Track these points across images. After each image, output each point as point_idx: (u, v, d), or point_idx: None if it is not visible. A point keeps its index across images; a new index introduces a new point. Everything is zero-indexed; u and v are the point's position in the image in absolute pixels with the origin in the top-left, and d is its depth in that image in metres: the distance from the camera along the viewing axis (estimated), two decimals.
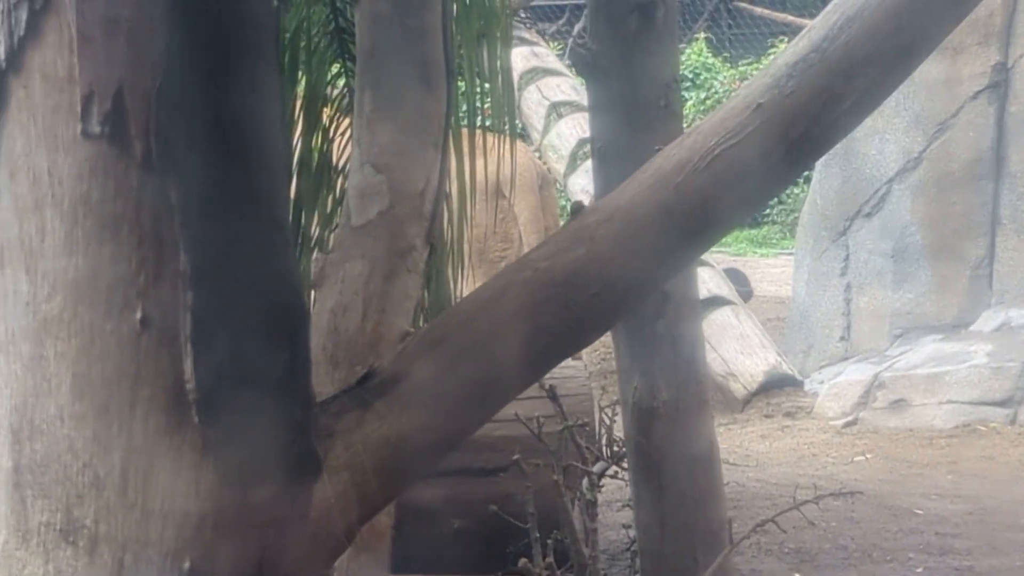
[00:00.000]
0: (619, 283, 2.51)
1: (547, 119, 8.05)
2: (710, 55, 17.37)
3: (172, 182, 1.91)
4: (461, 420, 2.55)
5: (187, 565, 1.96)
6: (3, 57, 1.91)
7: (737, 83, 15.54)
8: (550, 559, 3.78)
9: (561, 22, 10.48)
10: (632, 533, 4.47)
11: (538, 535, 3.80)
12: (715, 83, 16.80)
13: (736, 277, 10.09)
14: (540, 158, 8.29)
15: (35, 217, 1.92)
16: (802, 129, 2.37)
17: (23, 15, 1.90)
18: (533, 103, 7.91)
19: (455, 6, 4.00)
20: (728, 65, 17.34)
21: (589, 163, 7.60)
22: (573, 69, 9.00)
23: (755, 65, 16.41)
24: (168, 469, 1.95)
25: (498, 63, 4.17)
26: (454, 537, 4.43)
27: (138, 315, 1.92)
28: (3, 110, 1.93)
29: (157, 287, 1.93)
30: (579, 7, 11.00)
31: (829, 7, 2.43)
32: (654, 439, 3.97)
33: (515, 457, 3.87)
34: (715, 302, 8.47)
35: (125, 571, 1.94)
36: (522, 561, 3.69)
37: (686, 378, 4.00)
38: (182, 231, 1.92)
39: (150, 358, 1.93)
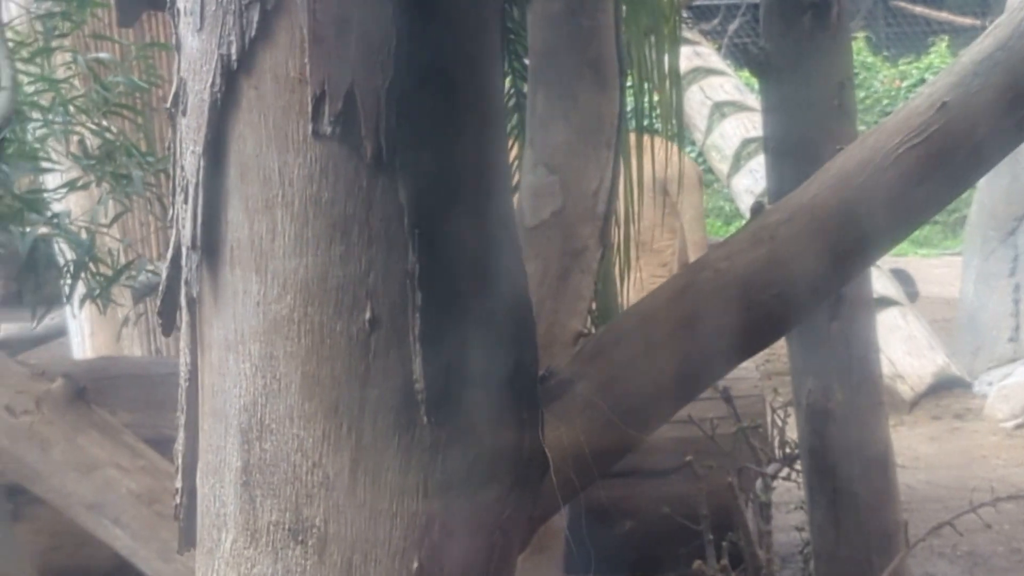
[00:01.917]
0: (800, 283, 2.48)
1: (710, 119, 8.00)
2: (869, 54, 17.11)
3: (402, 182, 1.90)
4: (638, 422, 2.53)
5: (415, 565, 1.95)
6: (235, 58, 1.92)
7: (897, 82, 15.34)
8: (725, 561, 3.75)
9: (715, 21, 10.40)
10: (804, 535, 4.42)
11: (711, 537, 3.78)
12: (875, 82, 16.54)
13: (902, 277, 9.93)
14: (702, 158, 8.24)
15: (265, 218, 1.92)
16: (988, 128, 2.31)
17: (255, 16, 1.90)
18: (696, 103, 7.86)
19: (624, 6, 3.98)
20: (888, 64, 17.08)
21: (753, 163, 7.55)
22: (735, 67, 8.96)
23: (915, 64, 16.18)
24: (397, 469, 1.94)
25: (666, 63, 4.14)
26: (626, 538, 4.41)
27: (367, 315, 1.92)
28: (234, 111, 1.93)
29: (386, 287, 1.92)
30: (733, 7, 10.92)
31: (1015, 4, 2.38)
32: (828, 441, 3.94)
33: (687, 458, 3.85)
34: (882, 303, 8.35)
35: (354, 570, 1.94)
36: (697, 563, 3.67)
37: (860, 379, 3.97)
38: (411, 230, 1.91)
39: (379, 358, 1.93)
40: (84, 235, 3.92)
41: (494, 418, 1.99)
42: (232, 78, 1.93)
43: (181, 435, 2.11)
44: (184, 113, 1.99)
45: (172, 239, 2.05)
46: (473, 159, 1.98)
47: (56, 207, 4.07)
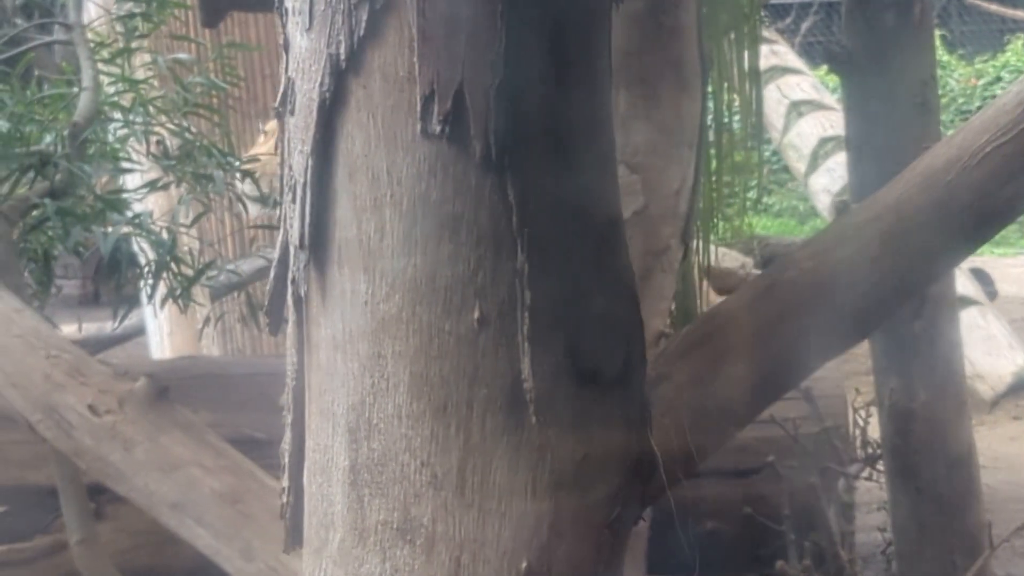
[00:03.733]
0: (887, 283, 2.45)
1: (787, 118, 7.96)
2: (944, 52, 16.94)
3: (510, 180, 1.90)
4: (723, 423, 2.51)
5: (524, 565, 1.94)
6: (343, 57, 1.92)
7: (973, 80, 15.20)
8: (807, 561, 3.73)
9: (789, 19, 10.34)
10: (886, 536, 4.39)
11: (794, 537, 3.76)
12: (950, 80, 16.40)
13: (981, 277, 9.82)
14: (776, 156, 8.20)
15: (374, 217, 1.92)
16: None
17: (363, 15, 1.90)
18: (772, 102, 7.82)
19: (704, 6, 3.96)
20: (963, 62, 16.94)
21: (830, 162, 7.51)
22: (810, 66, 8.89)
23: (991, 62, 16.03)
24: (505, 469, 1.94)
25: (746, 62, 4.12)
26: (708, 538, 4.39)
27: (476, 314, 1.91)
28: (343, 110, 1.93)
29: (495, 286, 1.92)
30: (806, 5, 10.86)
31: None
32: (911, 441, 3.91)
33: (769, 459, 3.83)
34: (961, 302, 8.24)
35: (462, 570, 1.94)
36: (779, 563, 3.65)
37: (944, 379, 3.94)
38: (520, 229, 1.90)
39: (488, 357, 1.92)
40: (165, 235, 3.94)
41: (603, 417, 1.98)
42: (341, 77, 1.92)
43: (288, 434, 2.12)
44: (292, 113, 1.99)
45: (280, 238, 2.06)
46: (582, 158, 1.97)
47: (136, 207, 4.09)
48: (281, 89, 2.01)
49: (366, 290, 1.94)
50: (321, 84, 1.94)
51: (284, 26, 2.00)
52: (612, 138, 2.04)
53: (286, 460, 2.13)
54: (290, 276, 2.04)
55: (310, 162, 1.95)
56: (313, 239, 1.97)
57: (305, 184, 1.96)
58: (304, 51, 1.96)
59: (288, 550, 2.14)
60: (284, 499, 2.13)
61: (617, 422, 2.01)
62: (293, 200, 1.99)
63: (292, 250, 2.02)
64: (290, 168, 2.00)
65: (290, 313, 2.07)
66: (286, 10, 1.99)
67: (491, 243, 1.91)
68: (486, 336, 1.92)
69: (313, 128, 1.95)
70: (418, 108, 1.89)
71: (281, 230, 2.05)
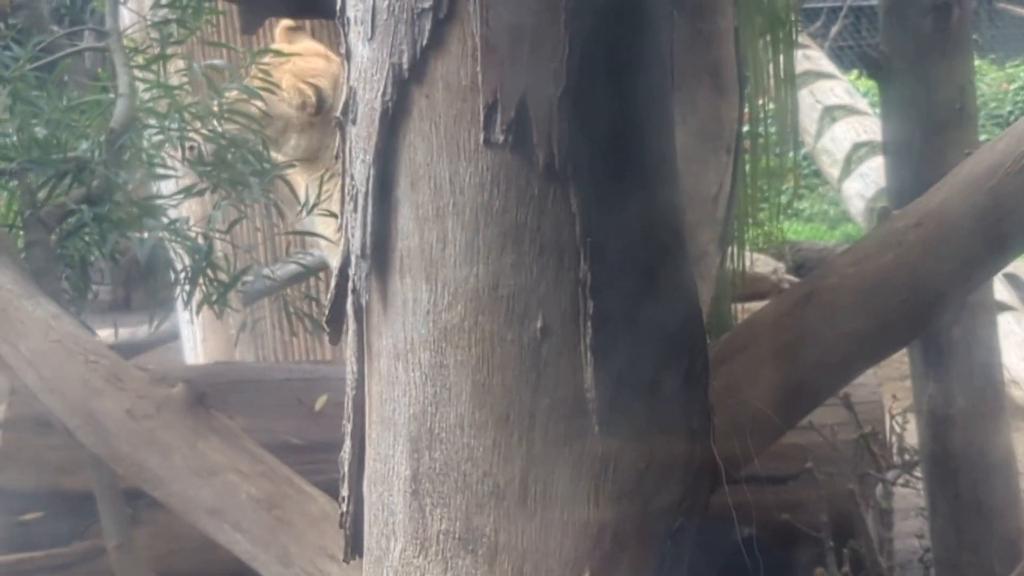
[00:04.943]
0: (928, 289, 2.46)
1: (820, 123, 7.95)
2: (975, 57, 16.82)
3: (573, 190, 1.90)
4: (764, 429, 2.51)
5: (586, 575, 1.94)
6: (406, 66, 1.92)
7: (1005, 85, 15.14)
8: (846, 568, 3.72)
9: (818, 24, 10.33)
10: (924, 542, 4.38)
11: (832, 543, 3.75)
12: (982, 85, 16.29)
13: (1015, 282, 9.77)
14: (807, 161, 8.18)
15: (436, 226, 1.92)
16: None
17: (427, 25, 1.90)
18: (806, 107, 7.80)
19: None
20: (994, 67, 16.87)
21: (864, 167, 7.50)
22: (841, 70, 8.87)
23: (1022, 67, 15.97)
24: (567, 479, 1.94)
25: (781, 67, 4.11)
26: (746, 545, 4.38)
27: (538, 324, 1.91)
28: (405, 119, 1.93)
29: (557, 295, 1.92)
30: (836, 8, 10.85)
31: None
32: (950, 447, 3.91)
33: (807, 465, 3.82)
34: (997, 307, 8.20)
35: None
36: (818, 570, 3.65)
37: (982, 385, 3.93)
38: (583, 239, 1.90)
39: (550, 367, 1.92)
40: (201, 241, 3.94)
41: (665, 427, 1.98)
42: (403, 87, 1.93)
43: (347, 443, 2.12)
44: (354, 122, 1.99)
45: (341, 248, 2.06)
46: (645, 167, 1.97)
47: (172, 213, 4.09)
48: (343, 98, 2.01)
49: (428, 299, 1.94)
50: (383, 93, 1.94)
51: (346, 36, 2.00)
52: (674, 147, 2.04)
53: (346, 469, 2.13)
54: (351, 285, 2.04)
55: (372, 171, 1.96)
56: (375, 248, 1.97)
57: (367, 193, 1.96)
58: (366, 61, 1.96)
59: (348, 559, 2.14)
60: (344, 508, 2.13)
61: (680, 431, 2.00)
62: (355, 209, 1.99)
63: (353, 259, 2.02)
64: (352, 177, 2.00)
65: (351, 322, 2.07)
66: (348, 20, 1.99)
67: (554, 252, 1.91)
68: (549, 345, 1.92)
69: (375, 137, 1.95)
70: (481, 117, 1.89)
71: (342, 239, 2.05)
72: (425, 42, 1.91)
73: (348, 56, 2.00)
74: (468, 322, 1.92)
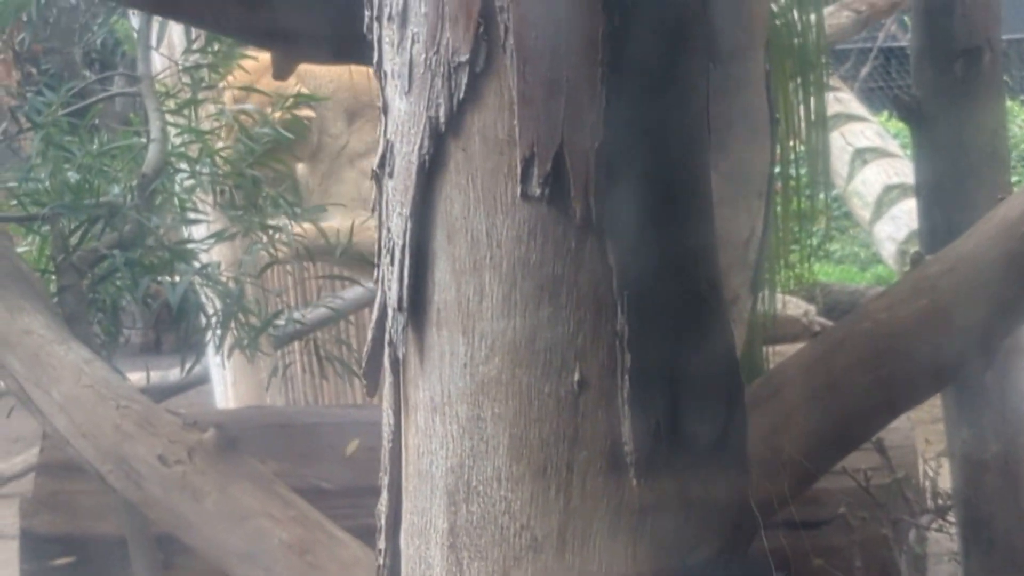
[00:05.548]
0: (962, 335, 2.44)
1: (851, 165, 7.94)
2: (1007, 99, 16.73)
3: (610, 243, 1.90)
4: (797, 476, 2.50)
5: None
6: (443, 120, 1.92)
7: None
8: None
9: (847, 65, 10.34)
10: None
11: None
12: (1013, 127, 16.23)
13: None
14: (837, 203, 8.17)
15: (473, 279, 1.92)
16: None
17: (463, 78, 1.91)
18: (836, 149, 7.78)
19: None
20: None
21: (895, 209, 7.48)
22: (871, 111, 8.85)
23: None
24: (605, 532, 1.93)
25: (812, 110, 4.11)
26: None
27: (576, 376, 1.91)
28: (442, 172, 1.94)
29: (594, 348, 1.91)
30: (865, 50, 10.85)
31: None
32: (983, 492, 3.88)
33: (841, 510, 3.80)
34: None
35: None
36: None
37: (1016, 430, 3.90)
38: (620, 292, 1.90)
39: (587, 420, 1.92)
40: (232, 285, 3.95)
41: (704, 480, 1.97)
42: (440, 140, 1.93)
43: (384, 496, 2.11)
44: (391, 175, 2.00)
45: (377, 300, 2.06)
46: (682, 219, 1.97)
47: (203, 257, 4.11)
48: (379, 151, 2.02)
49: (465, 352, 1.94)
50: (420, 147, 1.94)
51: (383, 89, 2.01)
52: (710, 199, 2.04)
53: (382, 522, 2.12)
54: (387, 337, 2.04)
55: (409, 224, 1.96)
56: (412, 301, 1.97)
57: (404, 246, 1.96)
58: (403, 114, 1.97)
59: None
60: (381, 561, 2.13)
61: (718, 484, 2.00)
62: (392, 262, 1.99)
63: (390, 311, 2.02)
64: (388, 230, 2.01)
65: (387, 374, 2.07)
66: (385, 73, 2.00)
67: (591, 305, 1.91)
68: (586, 398, 1.91)
69: (412, 190, 1.95)
70: (518, 171, 1.90)
71: (379, 291, 2.05)
72: (462, 95, 1.91)
73: (385, 109, 2.01)
74: (505, 375, 1.92)
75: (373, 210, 2.06)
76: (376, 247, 2.06)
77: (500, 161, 1.91)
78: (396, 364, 2.03)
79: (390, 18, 1.98)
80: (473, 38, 1.89)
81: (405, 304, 1.98)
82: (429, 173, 1.94)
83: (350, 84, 5.38)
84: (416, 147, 1.94)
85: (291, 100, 4.37)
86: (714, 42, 2.07)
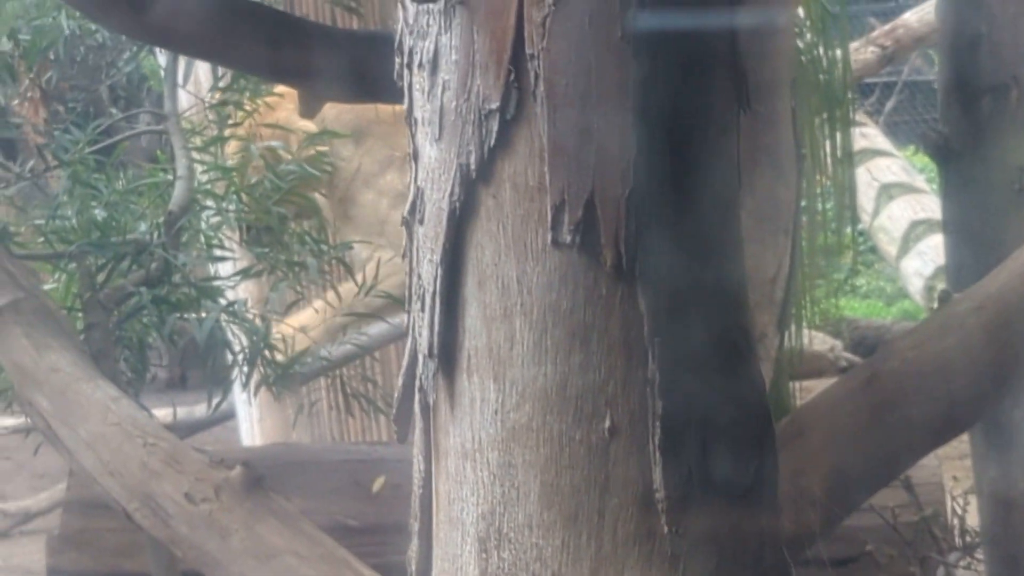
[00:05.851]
0: (990, 374, 2.43)
1: (877, 200, 7.94)
2: None
3: (641, 290, 1.90)
4: (825, 515, 2.49)
5: None
6: (474, 167, 1.93)
7: None
8: None
9: (872, 99, 10.33)
10: None
11: None
12: None
13: None
14: (863, 238, 8.16)
15: (504, 326, 1.93)
16: None
17: (494, 126, 1.91)
18: (862, 184, 7.78)
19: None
20: None
21: (922, 245, 7.48)
22: (897, 146, 8.86)
23: None
24: None
25: (838, 146, 4.10)
26: None
27: (607, 423, 1.91)
28: (473, 219, 1.94)
29: (626, 395, 1.91)
30: (890, 84, 10.83)
31: None
32: (1012, 530, 3.85)
33: (868, 548, 3.79)
34: None
35: None
36: None
37: None
38: (651, 339, 1.90)
39: (619, 466, 1.92)
40: (259, 322, 3.96)
41: (735, 526, 1.97)
42: (471, 187, 1.94)
43: (415, 542, 2.11)
44: (421, 222, 2.00)
45: (407, 346, 2.06)
46: (713, 265, 1.97)
47: (229, 295, 4.12)
48: (410, 198, 2.02)
49: (496, 399, 1.94)
50: (451, 194, 1.95)
51: (413, 136, 2.02)
52: (742, 244, 2.03)
53: (413, 568, 2.12)
54: (418, 384, 2.04)
55: (439, 271, 1.96)
56: (442, 347, 1.98)
57: (435, 293, 1.97)
58: (434, 161, 1.97)
59: None
60: None
61: (750, 529, 1.99)
62: (422, 308, 1.99)
63: (421, 358, 2.02)
64: (419, 277, 2.01)
65: (418, 420, 2.07)
66: (415, 120, 2.01)
67: (622, 352, 1.91)
68: (617, 445, 1.91)
69: (443, 237, 1.96)
70: (548, 217, 1.90)
71: (409, 338, 2.06)
72: (493, 143, 1.92)
73: (415, 156, 2.01)
74: (536, 422, 1.92)
75: (404, 256, 2.06)
76: (406, 293, 2.06)
77: (531, 208, 1.91)
78: (426, 410, 2.03)
79: (421, 65, 1.99)
80: (504, 85, 1.90)
81: (436, 351, 1.98)
82: (460, 220, 1.95)
83: (351, 105, 5.39)
84: (447, 194, 1.95)
85: (316, 135, 4.38)
86: (743, 85, 2.06)
